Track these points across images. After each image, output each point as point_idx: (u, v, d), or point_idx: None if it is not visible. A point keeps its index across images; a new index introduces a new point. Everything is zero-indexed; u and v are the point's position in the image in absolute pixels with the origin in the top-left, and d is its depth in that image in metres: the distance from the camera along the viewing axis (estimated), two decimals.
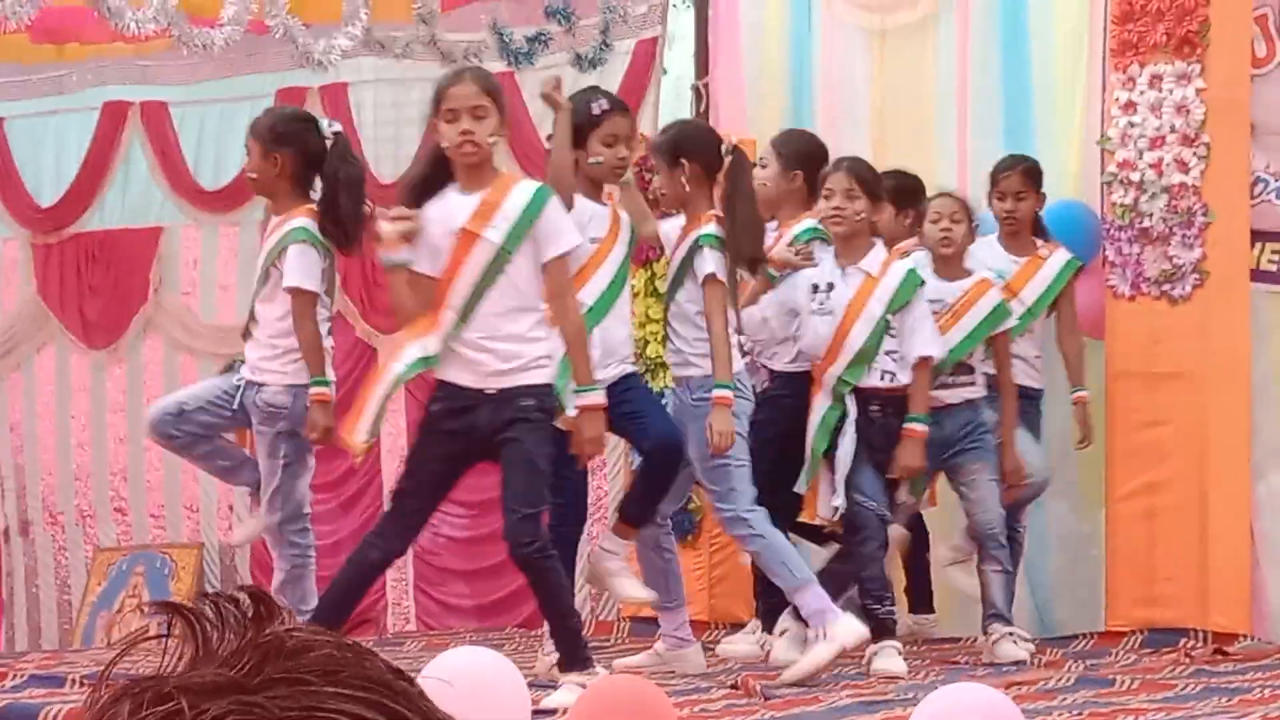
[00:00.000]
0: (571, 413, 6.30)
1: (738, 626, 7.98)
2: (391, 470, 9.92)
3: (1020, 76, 8.47)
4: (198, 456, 7.30)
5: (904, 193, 7.80)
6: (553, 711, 5.75)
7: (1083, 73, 8.30)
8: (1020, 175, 7.95)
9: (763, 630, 7.54)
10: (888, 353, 7.14)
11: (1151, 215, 7.96)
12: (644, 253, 8.15)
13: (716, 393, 6.81)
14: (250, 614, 1.23)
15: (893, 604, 7.30)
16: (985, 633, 7.50)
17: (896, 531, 7.45)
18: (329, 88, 9.83)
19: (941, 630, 8.10)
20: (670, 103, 9.23)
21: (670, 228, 7.11)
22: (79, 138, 10.61)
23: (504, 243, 6.18)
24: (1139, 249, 7.98)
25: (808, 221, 7.46)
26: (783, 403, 7.46)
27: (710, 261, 6.84)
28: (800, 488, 7.30)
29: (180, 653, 1.23)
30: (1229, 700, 6.20)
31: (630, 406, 6.65)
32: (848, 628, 6.73)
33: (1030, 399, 7.89)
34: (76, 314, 10.71)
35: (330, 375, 7.08)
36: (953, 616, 8.13)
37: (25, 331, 10.85)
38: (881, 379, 7.15)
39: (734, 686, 6.47)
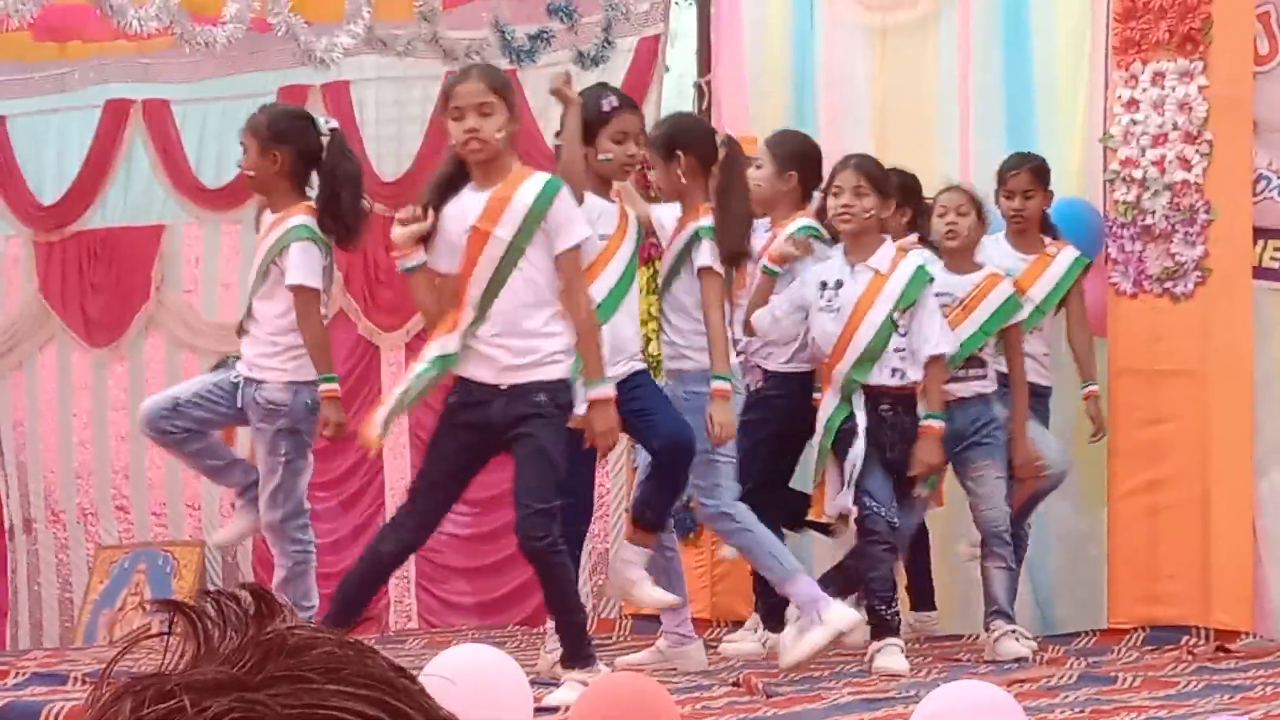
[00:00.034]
0: (581, 411, 6.29)
1: (739, 624, 7.98)
2: (393, 469, 9.93)
3: (1022, 74, 8.47)
4: (189, 454, 7.27)
5: (901, 190, 7.81)
6: (554, 709, 5.75)
7: (1085, 70, 8.30)
8: (1028, 174, 7.94)
9: (764, 629, 7.55)
10: (896, 350, 7.13)
11: (1154, 213, 7.96)
12: (646, 250, 8.15)
13: (715, 384, 6.82)
14: (252, 612, 1.23)
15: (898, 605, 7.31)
16: (987, 630, 7.50)
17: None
18: (331, 86, 9.83)
19: (943, 628, 8.10)
20: (672, 100, 9.22)
21: (665, 215, 7.08)
22: (81, 136, 10.61)
23: (514, 239, 6.18)
24: (1141, 246, 7.98)
25: (801, 220, 7.50)
26: (776, 403, 7.47)
27: (708, 253, 6.86)
28: (810, 484, 7.31)
29: (182, 650, 1.23)
30: (1231, 698, 6.19)
31: (639, 404, 6.62)
32: (840, 613, 6.75)
33: (1040, 396, 7.89)
34: (78, 312, 10.71)
35: None
36: (954, 614, 8.13)
37: (27, 329, 10.85)
38: (891, 376, 7.14)
39: (736, 684, 6.47)
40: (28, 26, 8.45)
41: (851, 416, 7.10)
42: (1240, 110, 7.87)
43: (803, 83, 8.88)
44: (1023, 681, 6.48)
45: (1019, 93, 8.46)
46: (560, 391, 6.19)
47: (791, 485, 7.66)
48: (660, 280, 7.21)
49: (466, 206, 6.24)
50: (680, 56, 9.41)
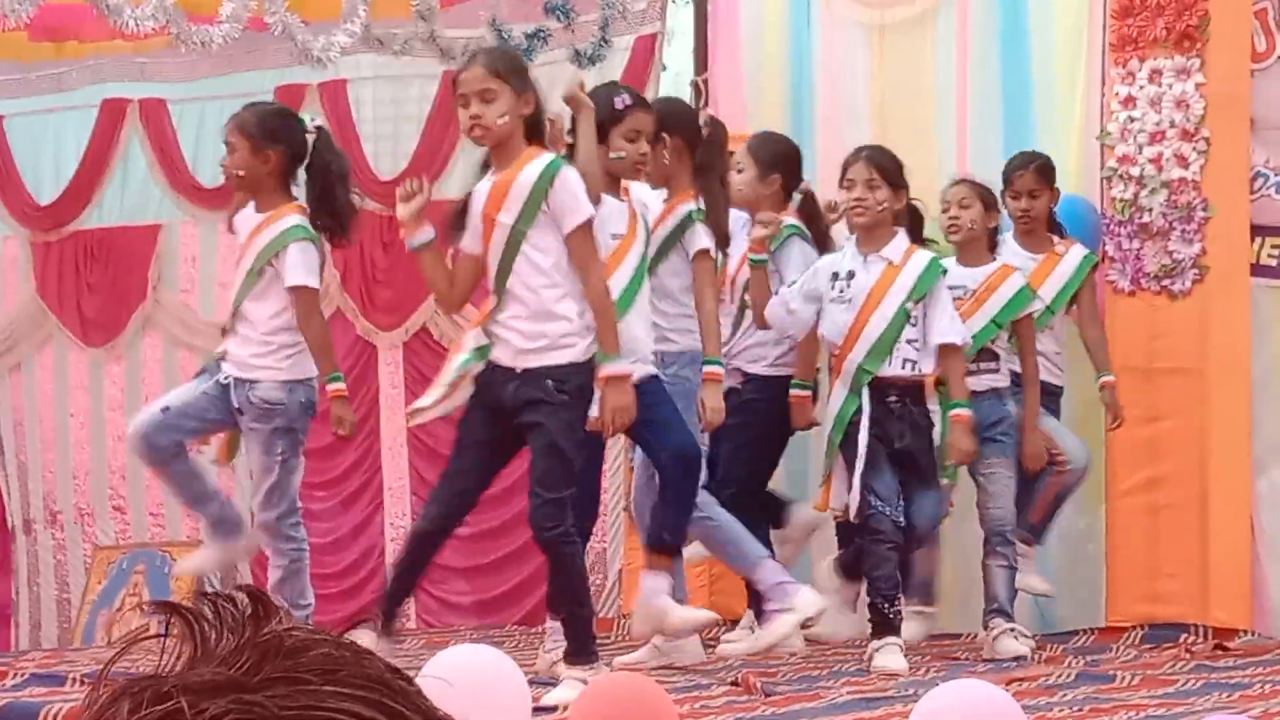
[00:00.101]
0: (593, 414, 6.29)
1: (736, 623, 7.98)
2: (391, 468, 9.93)
3: (1020, 71, 8.47)
4: (171, 475, 7.19)
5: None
6: (553, 708, 5.75)
7: (1082, 67, 8.30)
8: (1034, 173, 7.93)
9: (759, 626, 7.55)
10: (909, 341, 7.12)
11: (1151, 210, 7.96)
12: None
13: (707, 369, 6.82)
14: (248, 613, 1.23)
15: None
16: (986, 628, 7.50)
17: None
18: (328, 85, 9.83)
19: (942, 626, 8.09)
20: None
21: (647, 197, 7.02)
22: (77, 135, 10.60)
23: (516, 223, 6.18)
24: (1139, 244, 7.98)
25: (784, 220, 7.53)
26: (757, 406, 7.49)
27: (704, 237, 6.87)
28: (821, 474, 7.34)
29: (179, 652, 1.22)
30: (1229, 696, 6.19)
31: (649, 414, 6.51)
32: (806, 599, 6.78)
33: (1051, 395, 7.88)
34: (75, 312, 10.70)
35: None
36: (954, 612, 8.13)
37: (24, 330, 10.84)
38: (904, 368, 7.13)
39: (734, 684, 6.47)
40: (24, 26, 8.44)
41: (859, 411, 7.09)
42: (1237, 107, 7.87)
43: (800, 80, 8.88)
44: (1021, 680, 6.48)
45: (1017, 90, 8.46)
46: (571, 376, 6.17)
47: (770, 489, 7.73)
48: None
49: (481, 192, 6.28)
50: (677, 55, 9.41)
